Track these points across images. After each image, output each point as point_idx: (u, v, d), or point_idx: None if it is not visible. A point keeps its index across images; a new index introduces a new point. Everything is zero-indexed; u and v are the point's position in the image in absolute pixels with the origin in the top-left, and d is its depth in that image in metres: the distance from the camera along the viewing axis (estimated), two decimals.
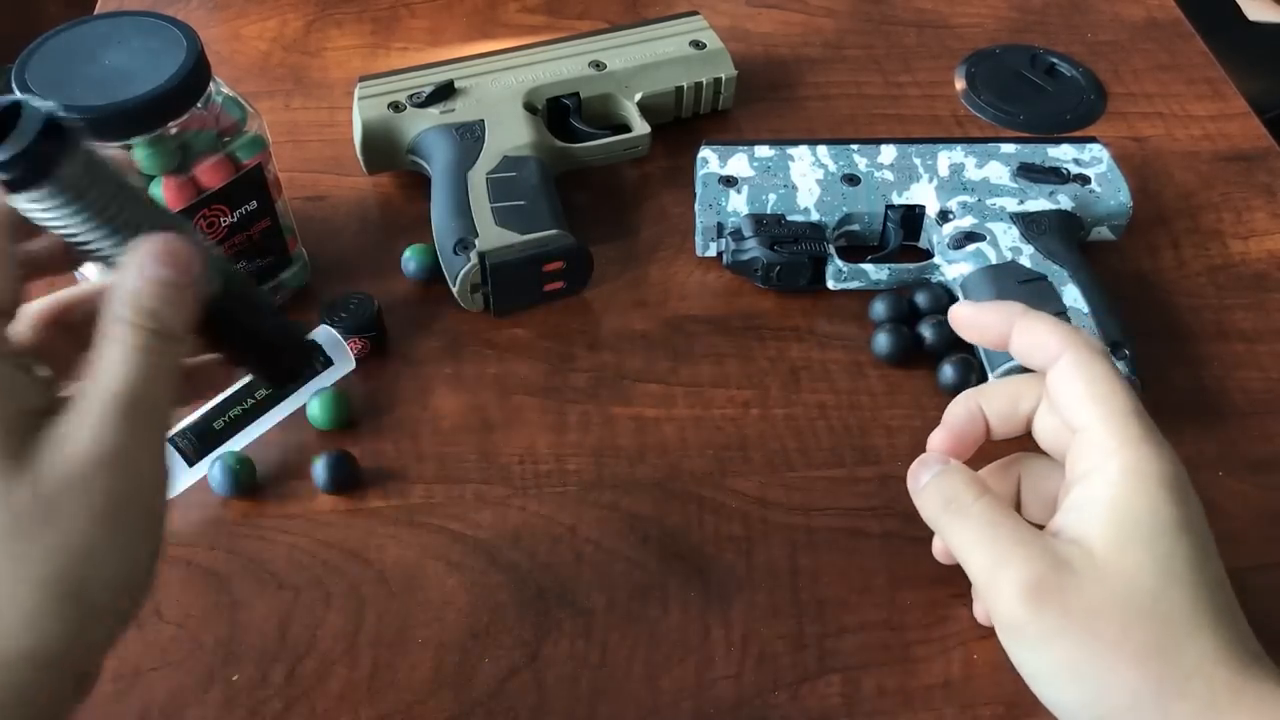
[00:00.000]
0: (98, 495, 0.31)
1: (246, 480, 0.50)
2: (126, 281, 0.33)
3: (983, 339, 0.43)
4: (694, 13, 0.70)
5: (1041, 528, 0.38)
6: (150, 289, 0.33)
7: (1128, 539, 0.36)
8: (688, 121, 0.68)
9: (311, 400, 0.52)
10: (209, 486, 0.50)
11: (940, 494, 0.40)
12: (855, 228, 0.60)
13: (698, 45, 0.68)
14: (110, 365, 0.32)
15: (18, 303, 0.34)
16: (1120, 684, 0.35)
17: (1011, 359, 0.51)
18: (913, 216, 0.60)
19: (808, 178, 0.60)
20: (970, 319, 0.43)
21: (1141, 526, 0.36)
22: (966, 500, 0.39)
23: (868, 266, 0.58)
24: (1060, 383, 0.39)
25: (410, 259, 0.59)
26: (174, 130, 0.49)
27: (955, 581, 0.46)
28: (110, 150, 0.35)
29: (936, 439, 0.43)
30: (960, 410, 0.43)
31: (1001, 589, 0.36)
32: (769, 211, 0.59)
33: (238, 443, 0.51)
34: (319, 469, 0.50)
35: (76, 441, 0.31)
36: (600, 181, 0.65)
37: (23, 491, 0.30)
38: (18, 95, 0.34)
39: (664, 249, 0.62)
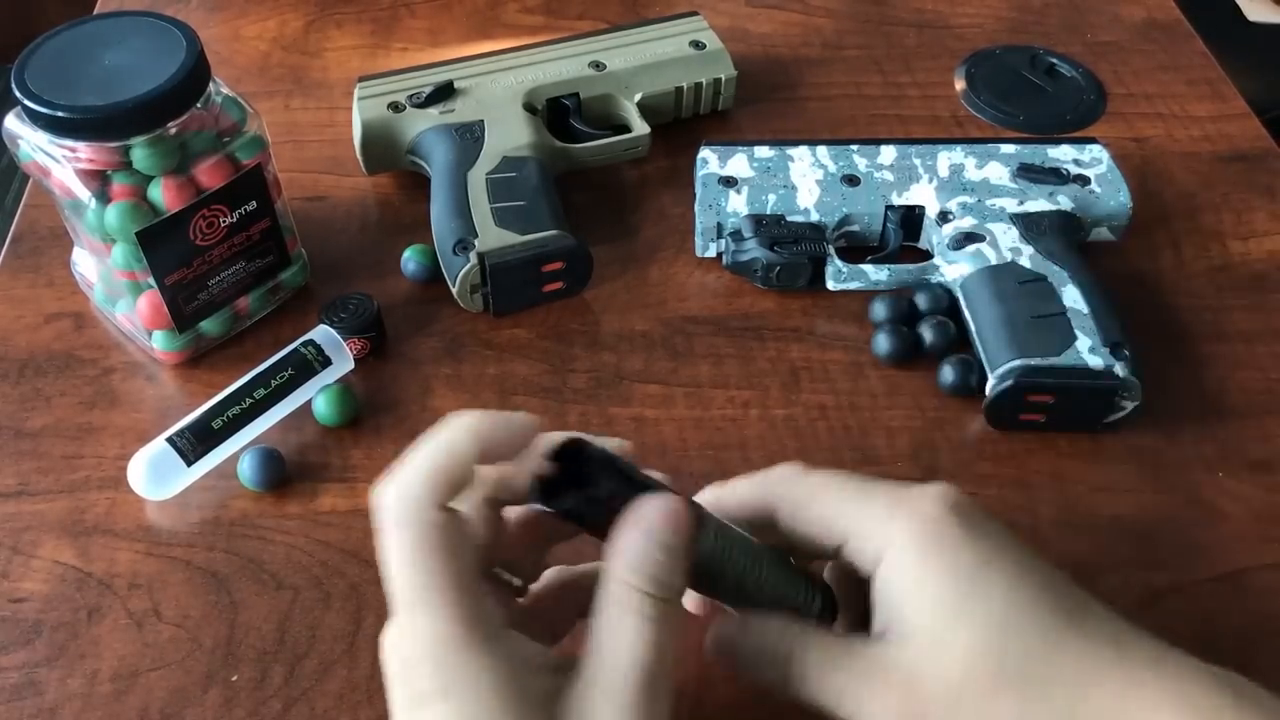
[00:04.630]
0: None
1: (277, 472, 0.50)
2: (631, 546, 0.34)
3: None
4: (694, 13, 0.70)
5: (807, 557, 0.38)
6: (656, 553, 0.33)
7: (947, 613, 0.34)
8: (688, 122, 0.68)
9: (317, 397, 0.52)
10: (206, 486, 0.50)
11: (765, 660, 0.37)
12: (855, 228, 0.60)
13: (697, 45, 0.68)
14: (624, 638, 0.33)
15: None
16: None
17: (1016, 357, 0.51)
18: (912, 217, 0.60)
19: (807, 178, 0.60)
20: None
21: (946, 594, 0.34)
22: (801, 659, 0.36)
23: (867, 267, 0.58)
24: (792, 533, 0.38)
25: (410, 259, 0.59)
26: (173, 130, 0.49)
27: None
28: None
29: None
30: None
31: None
32: (769, 212, 0.59)
33: (237, 442, 0.51)
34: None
35: None
36: (600, 182, 0.65)
37: None
38: (579, 436, 0.35)
39: (664, 249, 0.62)
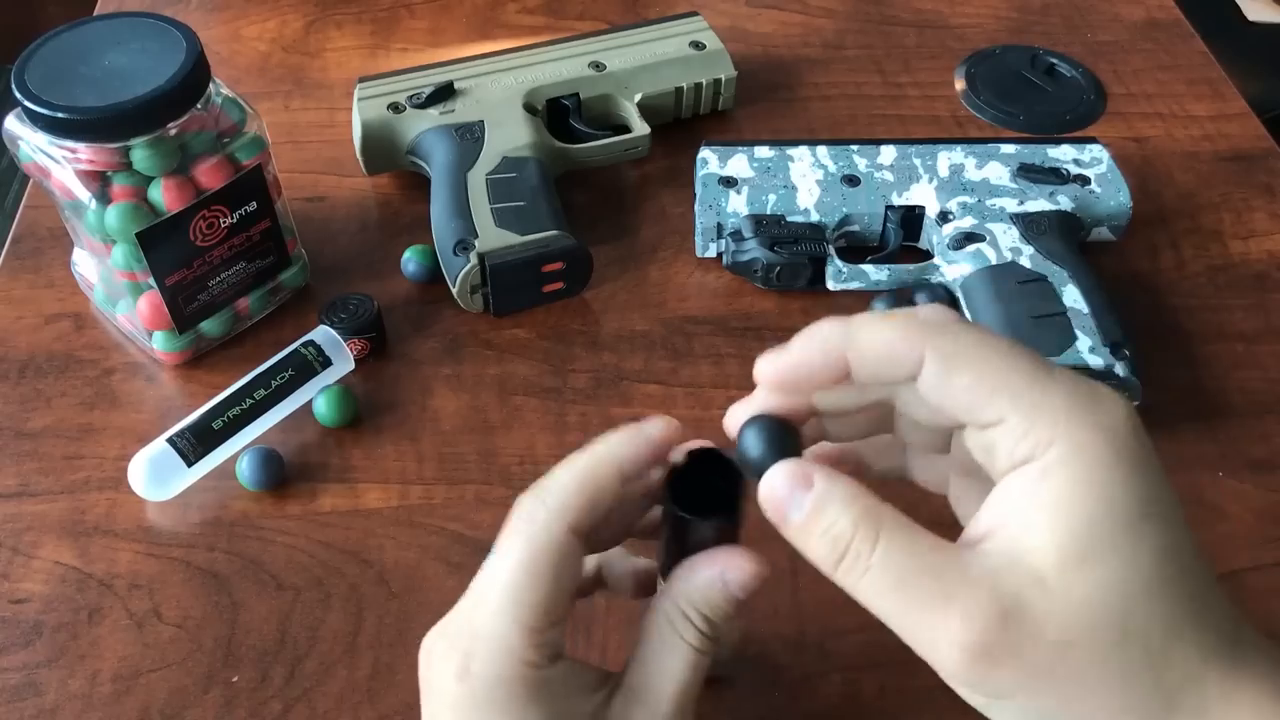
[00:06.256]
0: None
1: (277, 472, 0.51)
2: (704, 584, 0.34)
3: (808, 384, 0.33)
4: (694, 13, 0.70)
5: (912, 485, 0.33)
6: (724, 600, 0.34)
7: (1085, 553, 0.29)
8: (688, 122, 0.68)
9: (317, 397, 0.52)
10: (207, 487, 0.51)
11: (826, 542, 0.31)
12: (855, 228, 0.60)
13: (697, 46, 0.68)
14: (673, 662, 0.34)
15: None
16: (1099, 717, 0.30)
17: None
18: (913, 217, 0.60)
19: (808, 178, 0.60)
20: (785, 367, 0.33)
21: (1099, 531, 0.29)
22: (864, 551, 0.30)
23: (868, 267, 0.58)
24: (939, 390, 0.31)
25: (410, 260, 0.59)
26: (173, 131, 0.49)
27: None
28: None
29: (768, 371, 0.33)
30: (816, 350, 0.33)
31: (939, 652, 0.30)
32: (769, 212, 0.59)
33: (238, 443, 0.51)
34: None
35: None
36: (600, 182, 0.65)
37: None
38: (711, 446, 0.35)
39: (664, 249, 0.62)
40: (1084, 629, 0.29)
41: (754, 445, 0.33)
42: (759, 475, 0.32)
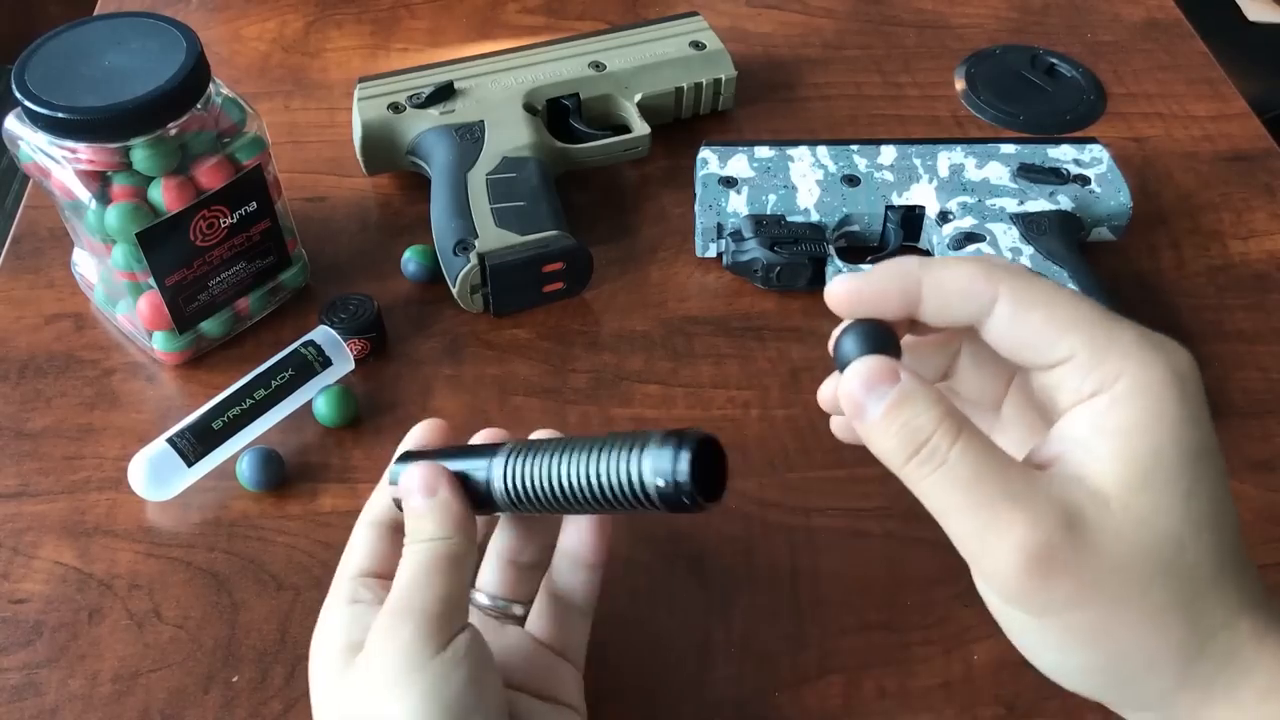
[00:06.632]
0: None
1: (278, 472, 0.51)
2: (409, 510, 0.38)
3: (881, 312, 0.33)
4: (694, 13, 0.70)
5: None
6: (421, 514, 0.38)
7: (1148, 477, 0.30)
8: (688, 122, 0.68)
9: (317, 397, 0.52)
10: (207, 487, 0.50)
11: (904, 435, 0.31)
12: (855, 228, 0.60)
13: (697, 46, 0.68)
14: (404, 573, 0.37)
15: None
16: (1136, 648, 0.30)
17: None
18: (913, 217, 0.60)
19: (808, 178, 0.60)
20: (857, 292, 0.33)
21: (1163, 460, 0.30)
22: (942, 446, 0.30)
23: (868, 267, 0.58)
24: (1011, 328, 0.32)
25: (410, 260, 0.59)
26: (174, 131, 0.49)
27: (955, 582, 0.46)
28: None
29: (841, 294, 0.34)
30: (894, 279, 0.33)
31: (998, 559, 0.30)
32: (769, 212, 0.59)
33: (238, 443, 0.51)
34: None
35: None
36: (600, 182, 0.65)
37: None
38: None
39: (664, 250, 0.62)
40: (1140, 551, 0.30)
41: (852, 347, 0.32)
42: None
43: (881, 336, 0.33)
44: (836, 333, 0.33)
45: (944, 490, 0.31)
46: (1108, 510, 0.30)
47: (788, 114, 0.70)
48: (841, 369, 0.32)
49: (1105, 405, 0.30)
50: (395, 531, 0.40)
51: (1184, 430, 0.30)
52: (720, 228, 0.59)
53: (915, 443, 0.31)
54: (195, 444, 0.50)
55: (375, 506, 0.42)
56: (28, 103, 0.47)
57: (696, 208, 0.60)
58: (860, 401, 0.32)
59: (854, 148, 0.61)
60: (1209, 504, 0.30)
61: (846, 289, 0.33)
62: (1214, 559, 0.30)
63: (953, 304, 0.32)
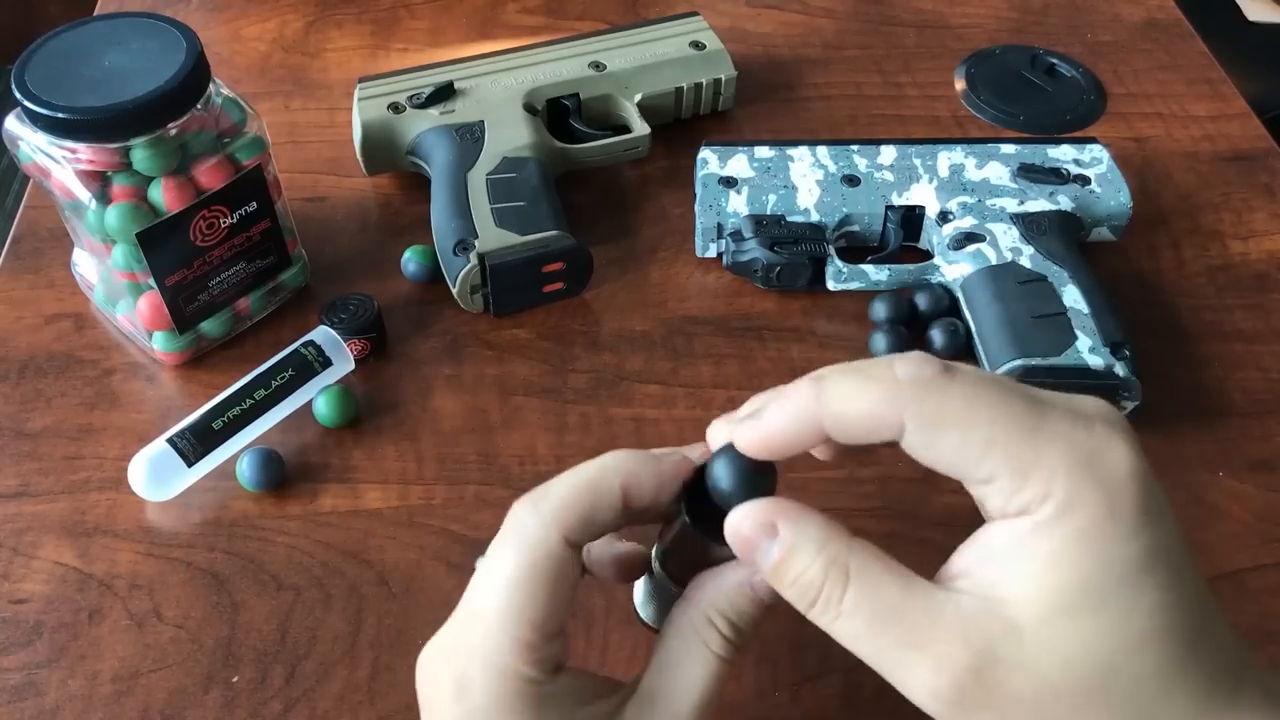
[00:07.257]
0: None
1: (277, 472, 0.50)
2: (731, 591, 0.34)
3: (785, 455, 0.32)
4: (694, 13, 0.70)
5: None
6: (751, 606, 0.34)
7: (1073, 608, 0.28)
8: (688, 122, 0.68)
9: (317, 398, 0.52)
10: (207, 487, 0.50)
11: (797, 590, 0.31)
12: (855, 228, 0.60)
13: (697, 46, 0.68)
14: (695, 668, 0.33)
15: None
16: None
17: (1016, 357, 0.51)
18: (913, 217, 0.60)
19: (808, 178, 0.60)
20: (764, 444, 0.32)
21: (1092, 587, 0.28)
22: (834, 597, 0.30)
23: (868, 267, 0.58)
24: (925, 453, 0.30)
25: (410, 260, 0.59)
26: (174, 131, 0.49)
27: None
28: None
29: (754, 454, 0.32)
30: (789, 422, 0.31)
31: (914, 695, 0.29)
32: (769, 212, 0.59)
33: (238, 443, 0.51)
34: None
35: None
36: (600, 182, 0.65)
37: None
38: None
39: (664, 250, 0.62)
40: (1058, 685, 0.28)
41: (724, 478, 0.33)
42: (728, 508, 0.32)
43: (751, 470, 0.32)
44: (715, 443, 0.33)
45: (848, 638, 0.31)
46: (1021, 646, 0.28)
47: (788, 114, 0.70)
48: (719, 495, 0.33)
49: (1029, 529, 0.29)
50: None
51: (1118, 548, 0.28)
52: (720, 228, 0.59)
53: (808, 597, 0.31)
54: (195, 444, 0.50)
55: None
56: (28, 103, 0.47)
57: (696, 208, 0.60)
58: (750, 556, 0.32)
59: (854, 148, 0.61)
60: (1155, 617, 0.28)
61: (751, 445, 0.32)
62: (1161, 672, 0.28)
63: (859, 435, 0.31)
